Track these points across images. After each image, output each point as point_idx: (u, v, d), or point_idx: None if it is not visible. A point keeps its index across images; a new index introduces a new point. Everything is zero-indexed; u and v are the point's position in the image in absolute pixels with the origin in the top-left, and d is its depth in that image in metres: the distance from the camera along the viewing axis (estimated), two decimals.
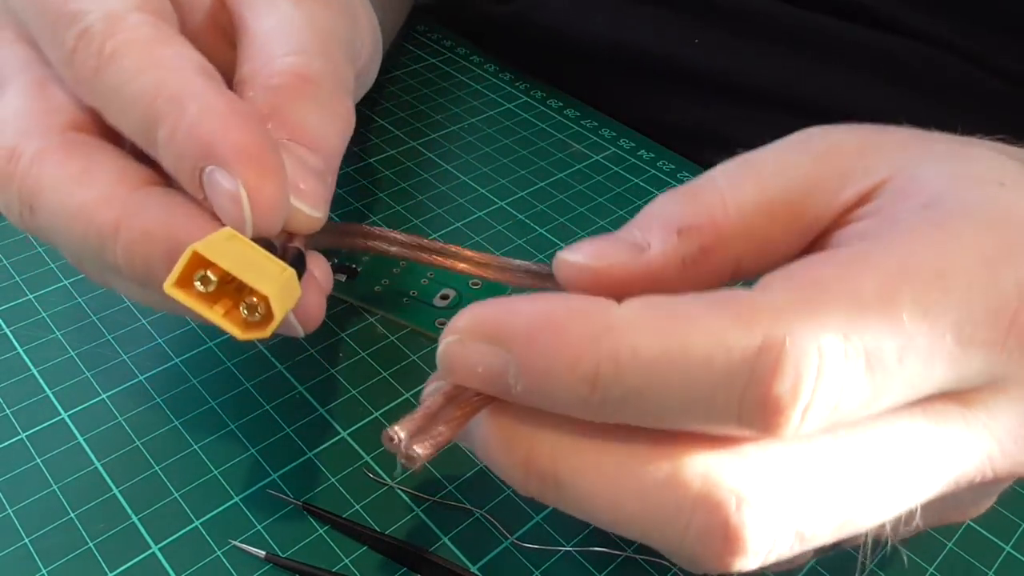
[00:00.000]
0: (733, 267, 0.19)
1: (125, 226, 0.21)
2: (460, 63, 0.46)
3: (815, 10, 0.38)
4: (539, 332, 0.16)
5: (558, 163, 0.39)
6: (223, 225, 0.21)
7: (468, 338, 0.17)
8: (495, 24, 0.47)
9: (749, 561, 0.17)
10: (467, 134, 0.41)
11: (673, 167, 0.39)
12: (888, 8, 0.37)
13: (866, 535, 0.19)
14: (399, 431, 0.17)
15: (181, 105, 0.21)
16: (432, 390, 0.19)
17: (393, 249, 0.26)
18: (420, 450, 0.17)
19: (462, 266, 0.25)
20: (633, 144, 0.40)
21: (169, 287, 0.19)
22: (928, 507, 0.18)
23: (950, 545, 0.24)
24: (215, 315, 0.19)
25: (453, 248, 0.25)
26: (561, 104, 0.43)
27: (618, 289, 0.19)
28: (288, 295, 0.20)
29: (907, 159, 0.19)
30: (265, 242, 0.21)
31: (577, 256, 0.19)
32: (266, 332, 0.19)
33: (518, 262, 0.25)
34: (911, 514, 0.18)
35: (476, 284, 0.32)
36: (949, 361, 0.17)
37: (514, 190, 0.37)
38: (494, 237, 0.34)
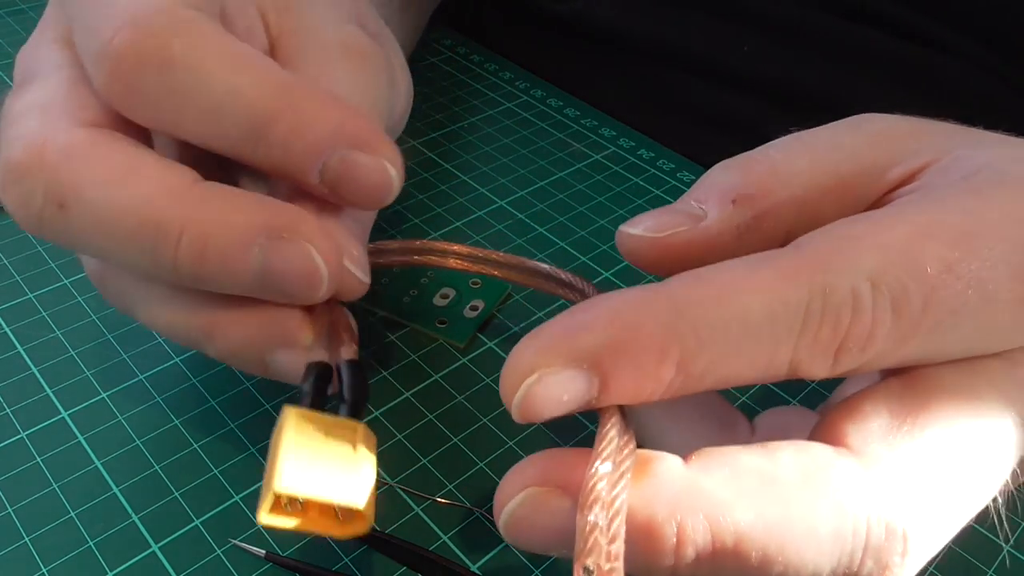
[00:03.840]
0: (783, 238, 0.20)
1: (195, 219, 0.19)
2: (461, 63, 0.46)
3: (860, 22, 0.38)
4: (619, 339, 0.16)
5: (558, 162, 0.39)
6: (312, 208, 0.21)
7: (547, 373, 0.16)
8: (553, 22, 0.47)
9: None
10: (467, 133, 0.41)
11: (673, 166, 0.39)
12: (933, 27, 0.37)
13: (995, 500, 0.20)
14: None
15: (293, 99, 0.20)
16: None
17: (387, 260, 0.26)
18: None
19: (453, 262, 0.25)
20: (633, 143, 0.40)
21: (264, 519, 0.18)
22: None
23: (950, 544, 0.24)
24: (313, 526, 0.19)
25: (443, 246, 0.25)
26: (561, 103, 0.43)
27: (678, 258, 0.20)
28: (369, 448, 0.19)
29: (953, 144, 0.20)
30: (321, 370, 0.21)
31: (638, 228, 0.20)
32: (365, 528, 0.19)
33: (512, 258, 0.25)
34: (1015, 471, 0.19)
35: (476, 283, 0.32)
36: (975, 315, 0.17)
37: (514, 189, 0.37)
38: (494, 236, 0.34)
